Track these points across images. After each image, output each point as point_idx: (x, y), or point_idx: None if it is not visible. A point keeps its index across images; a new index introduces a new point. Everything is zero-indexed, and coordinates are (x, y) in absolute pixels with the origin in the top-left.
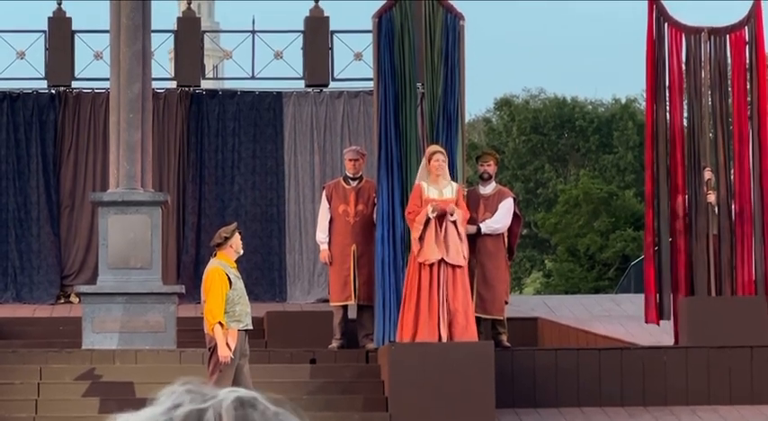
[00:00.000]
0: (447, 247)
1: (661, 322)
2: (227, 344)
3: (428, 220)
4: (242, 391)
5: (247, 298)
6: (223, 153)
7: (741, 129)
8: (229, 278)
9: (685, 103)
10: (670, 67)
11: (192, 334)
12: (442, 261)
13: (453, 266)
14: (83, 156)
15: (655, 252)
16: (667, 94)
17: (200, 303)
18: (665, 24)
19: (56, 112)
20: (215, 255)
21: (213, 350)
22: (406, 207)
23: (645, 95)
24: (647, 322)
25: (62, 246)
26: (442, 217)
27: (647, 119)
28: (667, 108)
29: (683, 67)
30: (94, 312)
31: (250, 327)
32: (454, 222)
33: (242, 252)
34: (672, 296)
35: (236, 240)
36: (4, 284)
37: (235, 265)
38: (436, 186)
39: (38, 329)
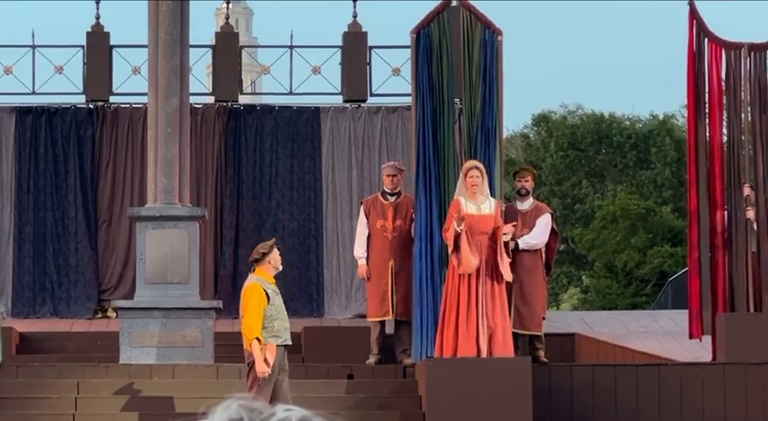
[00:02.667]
0: (486, 260)
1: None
2: (266, 359)
3: (458, 235)
4: (296, 410)
5: (286, 313)
6: (261, 168)
7: None
8: (267, 294)
9: (725, 118)
10: (710, 83)
11: (229, 349)
12: (480, 274)
13: (494, 281)
14: (120, 171)
15: (694, 267)
16: (708, 110)
17: (237, 318)
18: (705, 40)
19: (93, 127)
20: (253, 270)
21: (252, 365)
22: (444, 223)
23: (684, 111)
24: (691, 338)
25: (100, 261)
26: (481, 233)
27: (690, 134)
28: (708, 124)
29: (723, 82)
30: (132, 327)
31: (289, 343)
32: (495, 240)
33: (281, 268)
34: (714, 311)
35: (275, 256)
36: (42, 299)
37: (273, 281)
38: (474, 202)
39: (75, 344)
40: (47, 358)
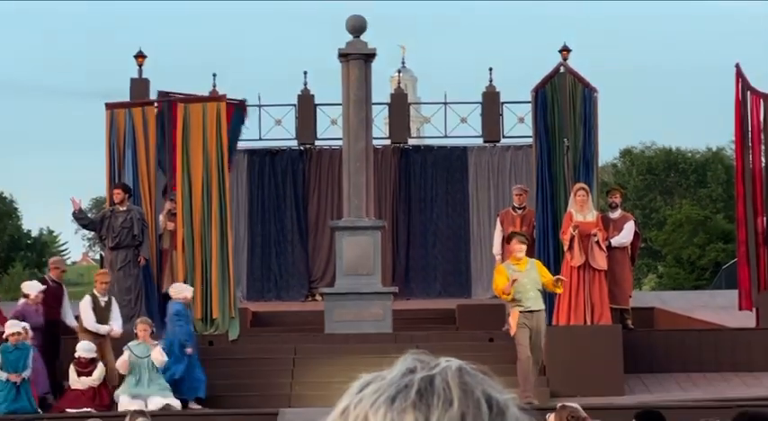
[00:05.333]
0: (589, 255)
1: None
2: (509, 321)
3: (572, 237)
4: (455, 361)
5: (531, 288)
6: (425, 191)
7: None
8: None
9: (763, 149)
10: (752, 124)
11: (404, 321)
12: (586, 265)
13: (594, 269)
14: (323, 195)
15: (743, 259)
16: (751, 143)
17: (409, 299)
18: (748, 92)
19: (304, 164)
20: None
21: None
22: (561, 228)
23: (732, 145)
24: (740, 309)
25: (309, 260)
26: (586, 235)
27: (738, 162)
28: (751, 154)
29: (762, 123)
30: (333, 307)
31: (532, 309)
32: (597, 240)
33: (519, 256)
34: (757, 287)
35: (511, 245)
36: (269, 287)
37: (518, 263)
38: (581, 213)
39: (292, 319)
40: (272, 329)
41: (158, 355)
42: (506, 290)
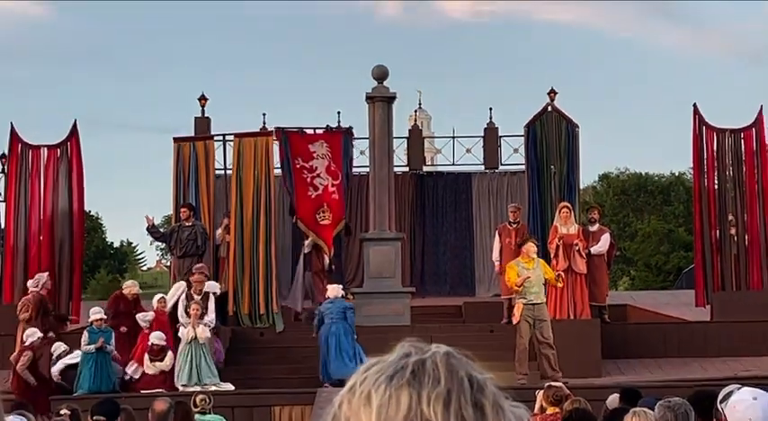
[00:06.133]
0: (571, 261)
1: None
2: (514, 312)
3: (558, 246)
4: (444, 347)
5: (536, 283)
6: (436, 209)
7: (750, 190)
8: (521, 270)
9: (716, 174)
10: (707, 153)
11: (421, 316)
12: (569, 269)
13: (576, 273)
14: (354, 211)
15: (699, 265)
16: (706, 169)
17: (425, 297)
18: (703, 127)
19: None
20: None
21: None
22: (548, 239)
23: (692, 171)
24: (696, 306)
25: (343, 265)
26: (569, 245)
27: (695, 185)
28: (706, 178)
29: (715, 152)
30: (362, 304)
31: (534, 302)
32: (578, 249)
33: (533, 256)
34: (711, 288)
35: (526, 247)
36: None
37: (528, 262)
38: (565, 226)
39: None
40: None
41: (202, 332)
42: (519, 283)
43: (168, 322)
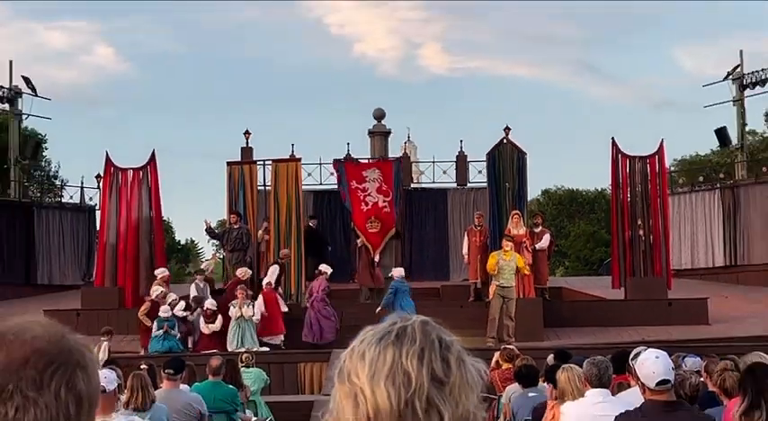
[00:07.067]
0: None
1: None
2: (489, 291)
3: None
4: (420, 316)
5: (509, 271)
6: (420, 215)
7: (653, 202)
8: (499, 260)
9: (628, 190)
10: (621, 174)
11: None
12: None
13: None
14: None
15: (615, 257)
16: (621, 186)
17: (412, 281)
18: (619, 155)
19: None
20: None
21: None
22: (503, 237)
23: (610, 187)
24: (613, 288)
25: (351, 256)
26: (519, 242)
27: (613, 198)
28: (621, 193)
29: (627, 174)
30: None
31: (505, 285)
32: (526, 246)
33: (507, 249)
34: (624, 275)
35: (504, 242)
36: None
37: (506, 254)
38: (516, 228)
39: (342, 293)
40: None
41: (247, 311)
42: (492, 268)
43: (275, 298)
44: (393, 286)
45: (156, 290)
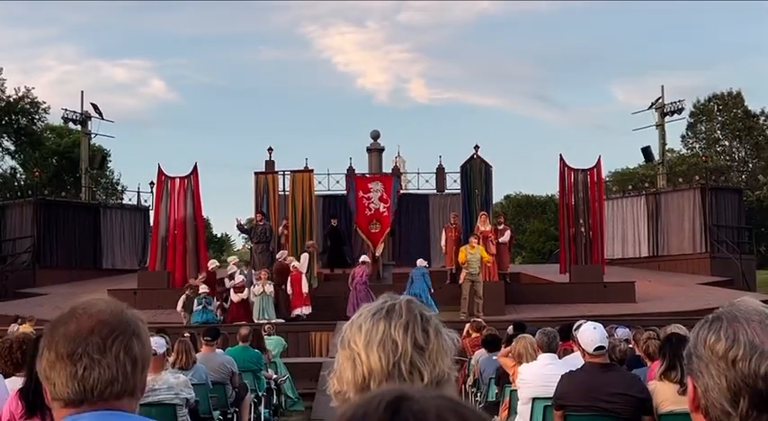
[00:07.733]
0: (487, 247)
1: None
2: (461, 277)
3: (478, 238)
4: (408, 297)
5: (476, 261)
6: (408, 216)
7: (592, 206)
8: (467, 254)
9: (573, 196)
10: (567, 183)
11: (397, 278)
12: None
13: (489, 254)
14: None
15: (562, 249)
16: (567, 192)
17: (399, 267)
18: (566, 167)
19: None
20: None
21: None
22: (474, 231)
23: (558, 193)
24: (561, 274)
25: (352, 248)
26: (485, 237)
27: (560, 203)
28: (566, 198)
29: (572, 183)
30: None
31: (473, 272)
32: (491, 240)
33: (474, 244)
34: (569, 263)
35: (471, 240)
36: (338, 262)
37: (472, 248)
38: (483, 226)
39: (344, 277)
40: (336, 283)
41: (269, 288)
42: (462, 260)
43: (300, 279)
44: (410, 274)
45: (230, 268)
